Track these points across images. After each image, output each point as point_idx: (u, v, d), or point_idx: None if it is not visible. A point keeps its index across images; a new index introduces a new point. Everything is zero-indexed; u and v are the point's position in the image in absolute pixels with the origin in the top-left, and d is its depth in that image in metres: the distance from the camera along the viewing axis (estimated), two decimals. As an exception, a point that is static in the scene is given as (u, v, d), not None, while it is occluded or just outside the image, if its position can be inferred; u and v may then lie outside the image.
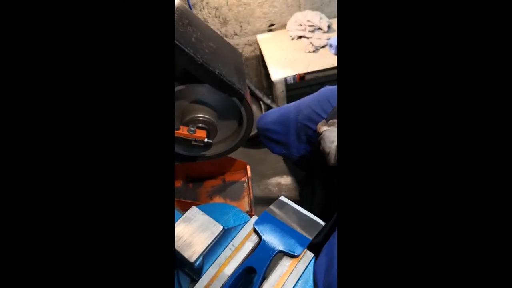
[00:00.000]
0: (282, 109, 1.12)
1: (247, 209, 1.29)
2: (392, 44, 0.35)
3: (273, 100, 1.63)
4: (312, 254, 0.63)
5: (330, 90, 1.07)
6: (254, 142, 1.67)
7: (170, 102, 0.39)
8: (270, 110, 1.19)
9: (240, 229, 0.68)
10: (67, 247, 0.35)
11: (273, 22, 1.70)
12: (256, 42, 1.72)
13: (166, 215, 0.38)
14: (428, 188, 0.34)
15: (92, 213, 0.36)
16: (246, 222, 0.69)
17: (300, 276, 0.61)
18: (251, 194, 1.30)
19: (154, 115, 0.38)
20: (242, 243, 0.66)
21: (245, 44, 1.75)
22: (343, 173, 0.38)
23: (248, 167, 1.38)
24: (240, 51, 1.77)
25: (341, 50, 0.38)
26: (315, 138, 0.97)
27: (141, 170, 0.37)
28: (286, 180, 1.58)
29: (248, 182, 1.36)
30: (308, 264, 0.62)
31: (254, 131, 1.67)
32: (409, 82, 0.35)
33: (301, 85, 1.48)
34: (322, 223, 0.65)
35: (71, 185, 0.36)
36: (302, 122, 1.03)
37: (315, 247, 0.99)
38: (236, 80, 1.00)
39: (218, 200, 1.32)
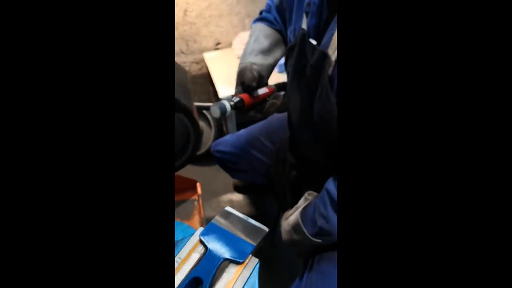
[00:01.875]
0: (235, 141, 1.16)
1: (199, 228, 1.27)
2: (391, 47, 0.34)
3: (222, 117, 1.65)
4: (257, 260, 0.64)
5: (278, 119, 1.10)
6: (204, 159, 1.67)
7: (171, 101, 0.39)
8: (223, 138, 1.21)
9: (187, 241, 0.68)
10: (62, 247, 0.35)
11: (220, 41, 1.74)
12: (203, 61, 1.74)
13: (167, 216, 0.38)
14: (428, 189, 0.34)
15: (85, 216, 0.36)
16: (192, 234, 0.69)
17: (246, 281, 0.61)
18: (202, 213, 1.29)
19: (156, 116, 0.38)
20: (189, 254, 0.65)
21: (192, 62, 1.76)
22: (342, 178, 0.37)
23: (198, 184, 1.36)
24: (187, 69, 1.78)
25: (342, 54, 0.38)
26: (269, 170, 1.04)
27: (143, 170, 0.37)
28: (237, 196, 1.59)
29: (198, 200, 1.34)
30: (253, 269, 0.62)
31: (204, 149, 1.68)
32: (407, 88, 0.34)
33: (249, 102, 1.51)
34: (266, 229, 0.67)
35: (68, 183, 0.35)
36: (255, 156, 1.08)
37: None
38: (182, 96, 1.01)
39: (168, 219, 1.29)
